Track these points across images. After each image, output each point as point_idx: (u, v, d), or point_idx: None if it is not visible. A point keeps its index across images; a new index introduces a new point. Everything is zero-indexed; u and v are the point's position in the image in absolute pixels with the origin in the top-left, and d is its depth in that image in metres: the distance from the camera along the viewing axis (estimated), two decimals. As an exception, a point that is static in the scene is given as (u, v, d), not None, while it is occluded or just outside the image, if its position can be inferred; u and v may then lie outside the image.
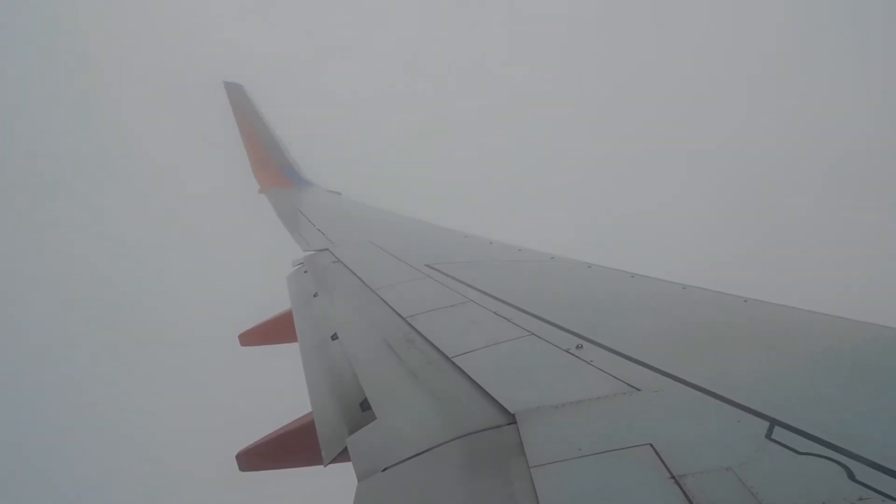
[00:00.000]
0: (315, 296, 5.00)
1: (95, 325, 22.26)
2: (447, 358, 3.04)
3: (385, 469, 2.30)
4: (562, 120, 32.39)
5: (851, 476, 1.68)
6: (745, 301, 3.37)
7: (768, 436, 1.94)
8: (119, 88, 29.49)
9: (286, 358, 4.67)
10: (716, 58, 31.97)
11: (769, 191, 26.01)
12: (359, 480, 2.30)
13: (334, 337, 3.92)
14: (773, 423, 2.00)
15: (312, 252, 6.39)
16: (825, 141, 27.01)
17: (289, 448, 3.44)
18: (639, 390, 2.40)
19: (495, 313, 3.60)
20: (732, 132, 29.41)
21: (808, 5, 31.71)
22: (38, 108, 28.39)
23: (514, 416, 2.34)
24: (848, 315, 2.93)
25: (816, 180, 25.15)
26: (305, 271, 5.86)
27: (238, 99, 11.99)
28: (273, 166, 11.20)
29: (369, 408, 2.85)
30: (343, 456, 2.67)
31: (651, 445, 1.97)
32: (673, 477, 1.79)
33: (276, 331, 5.36)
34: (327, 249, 6.24)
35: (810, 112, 28.43)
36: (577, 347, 2.91)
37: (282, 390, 5.22)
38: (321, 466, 2.79)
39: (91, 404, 20.12)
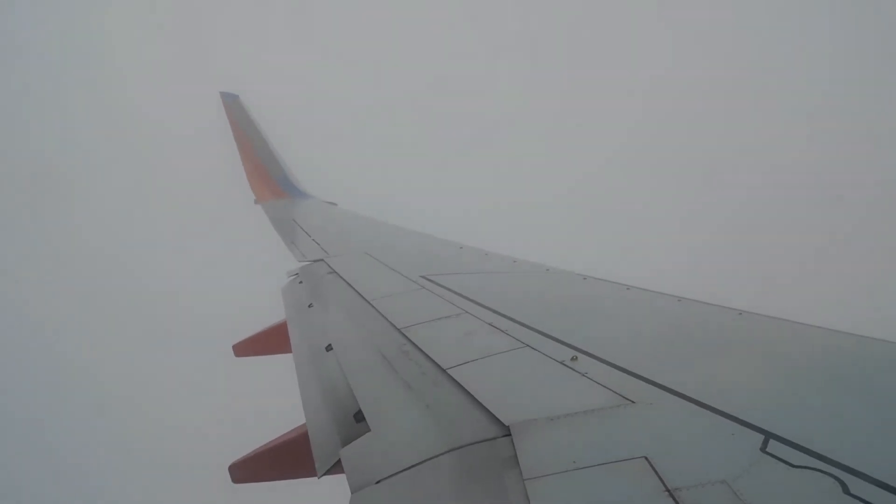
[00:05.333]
0: (310, 306, 4.99)
1: (89, 334, 22.15)
2: (442, 369, 3.04)
3: (379, 481, 2.29)
4: (559, 128, 32.53)
5: (846, 490, 1.68)
6: (741, 314, 3.38)
7: (763, 449, 1.94)
8: (117, 95, 29.50)
9: (280, 369, 4.65)
10: (717, 61, 32.13)
11: (767, 202, 26.09)
12: (352, 492, 2.29)
13: (329, 348, 3.91)
14: (768, 436, 2.00)
15: (308, 263, 6.39)
16: (826, 149, 27.12)
17: (282, 460, 3.42)
18: (633, 402, 2.40)
19: (490, 325, 3.59)
20: (730, 140, 29.50)
21: (805, 8, 31.87)
22: (33, 114, 28.37)
23: (508, 428, 2.34)
24: (844, 328, 2.94)
25: (815, 190, 25.22)
26: (300, 282, 5.85)
27: (234, 109, 12.02)
28: (269, 177, 11.21)
29: (363, 419, 2.84)
30: (337, 468, 2.66)
31: (646, 458, 1.96)
32: (667, 490, 1.78)
33: (270, 341, 5.35)
34: (322, 260, 6.24)
35: (811, 118, 28.53)
36: (572, 359, 2.90)
37: (276, 401, 5.18)
38: (315, 478, 2.77)
39: (83, 413, 19.98)
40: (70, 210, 25.76)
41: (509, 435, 2.29)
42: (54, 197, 25.64)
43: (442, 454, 2.32)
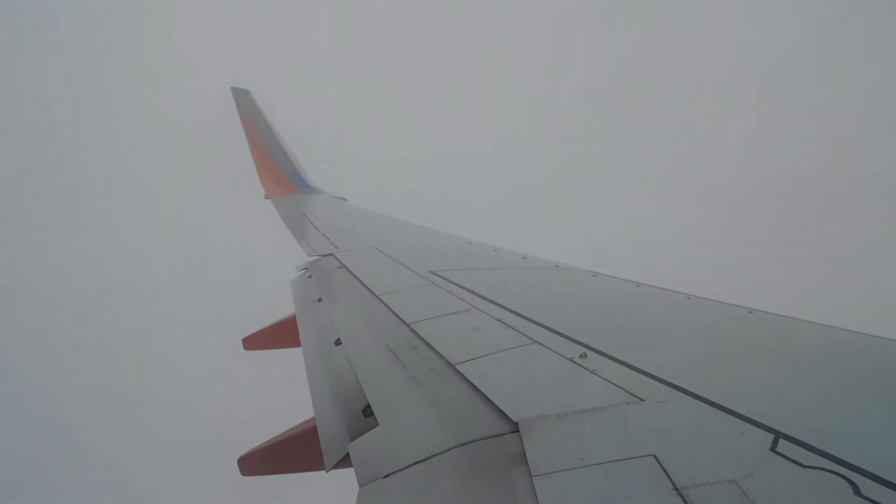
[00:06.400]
0: (319, 301, 5.00)
1: (99, 328, 22.33)
2: (450, 365, 3.04)
3: (386, 476, 2.29)
4: (567, 125, 32.43)
5: (857, 491, 1.67)
6: (751, 312, 3.36)
7: (773, 448, 1.93)
8: (125, 92, 29.68)
9: (289, 363, 4.67)
10: (722, 59, 31.88)
11: (777, 200, 25.88)
12: (360, 486, 2.29)
13: (337, 342, 3.92)
14: (778, 435, 1.99)
15: (317, 257, 6.40)
16: (834, 147, 26.87)
17: (291, 453, 3.43)
18: (643, 400, 2.39)
19: (499, 321, 3.59)
20: (738, 137, 29.26)
21: (813, 9, 31.51)
22: (37, 111, 28.50)
23: (516, 424, 2.34)
24: (855, 327, 2.92)
25: (827, 188, 24.99)
26: (310, 276, 5.87)
27: (245, 105, 12.07)
28: (279, 172, 11.25)
29: (372, 414, 2.85)
30: (345, 462, 2.67)
31: (654, 456, 1.96)
32: (676, 488, 1.78)
33: (279, 335, 5.37)
34: (332, 255, 6.25)
35: (819, 116, 28.26)
36: (581, 356, 2.90)
37: (284, 395, 5.22)
38: (323, 472, 2.78)
39: (93, 407, 20.16)
40: (82, 205, 25.95)
41: (517, 431, 2.29)
42: (65, 192, 25.84)
43: (450, 450, 2.33)
